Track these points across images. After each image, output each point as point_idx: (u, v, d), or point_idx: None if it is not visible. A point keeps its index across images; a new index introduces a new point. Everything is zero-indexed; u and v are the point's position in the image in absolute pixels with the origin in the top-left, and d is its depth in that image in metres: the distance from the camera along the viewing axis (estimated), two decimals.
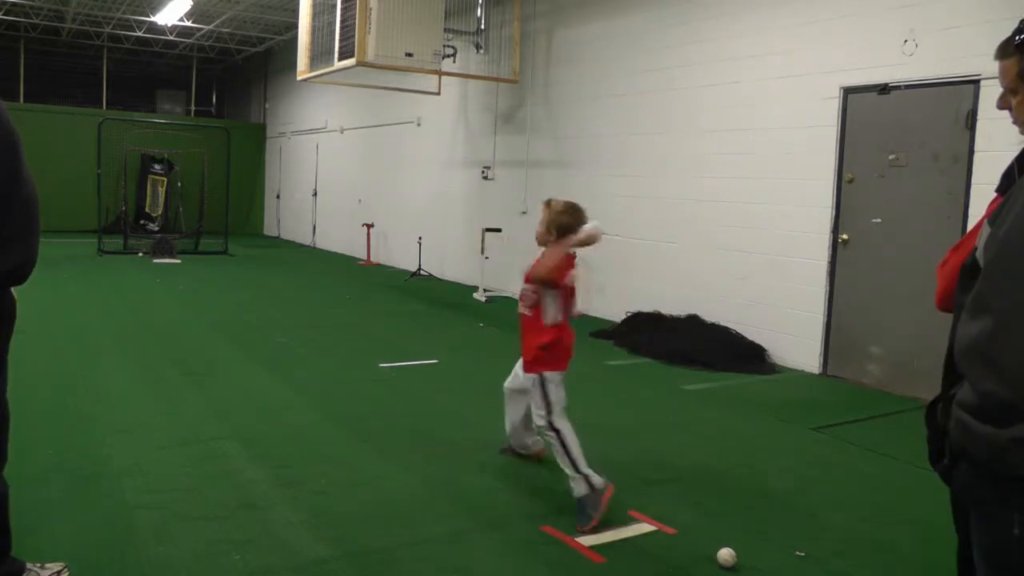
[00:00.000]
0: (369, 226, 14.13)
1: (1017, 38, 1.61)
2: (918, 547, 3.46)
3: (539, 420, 3.77)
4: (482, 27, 10.45)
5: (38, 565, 2.86)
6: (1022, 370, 1.34)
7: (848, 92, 6.47)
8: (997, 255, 1.42)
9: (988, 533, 1.47)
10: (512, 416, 4.21)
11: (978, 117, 5.59)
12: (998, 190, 1.60)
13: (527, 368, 3.86)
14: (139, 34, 17.66)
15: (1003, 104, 1.71)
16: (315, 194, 17.22)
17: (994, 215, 1.50)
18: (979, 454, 1.41)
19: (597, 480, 3.59)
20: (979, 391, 1.40)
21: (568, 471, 3.63)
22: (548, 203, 3.86)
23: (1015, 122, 1.71)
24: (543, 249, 3.85)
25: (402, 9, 8.97)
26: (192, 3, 14.14)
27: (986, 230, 1.50)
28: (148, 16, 15.87)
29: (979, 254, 1.50)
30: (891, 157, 6.21)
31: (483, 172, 11.21)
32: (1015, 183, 1.52)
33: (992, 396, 1.37)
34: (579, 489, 3.57)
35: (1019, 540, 1.39)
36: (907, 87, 6.06)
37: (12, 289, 2.69)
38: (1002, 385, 1.36)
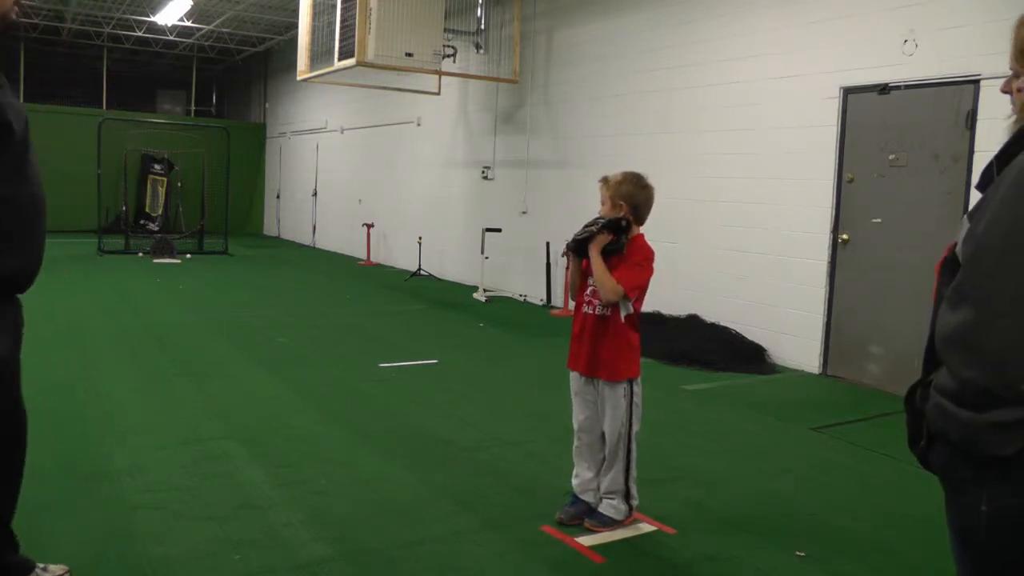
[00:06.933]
0: (369, 226, 14.13)
1: None
2: (918, 547, 3.46)
3: (611, 435, 3.43)
4: (482, 27, 10.46)
5: (41, 567, 2.85)
6: (1001, 358, 1.38)
7: (848, 92, 6.47)
8: (975, 251, 1.46)
9: (959, 510, 1.52)
10: (590, 462, 3.57)
11: (978, 117, 5.59)
12: (978, 187, 1.61)
13: (612, 376, 3.44)
14: (139, 34, 17.65)
15: (1006, 88, 1.67)
16: (315, 194, 17.21)
17: (972, 210, 1.54)
18: (957, 436, 1.46)
19: (633, 505, 3.51)
20: (959, 378, 1.44)
21: (618, 487, 3.47)
22: (605, 179, 3.48)
23: (1013, 105, 1.67)
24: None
25: (402, 9, 8.97)
26: (192, 3, 14.14)
27: (964, 224, 1.54)
28: (148, 16, 15.87)
29: (958, 249, 1.54)
30: (891, 157, 6.21)
31: (483, 172, 11.20)
32: (992, 180, 1.54)
33: (972, 383, 1.42)
34: (617, 512, 3.47)
35: (987, 516, 1.44)
36: (907, 87, 6.06)
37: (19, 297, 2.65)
38: (982, 372, 1.40)
